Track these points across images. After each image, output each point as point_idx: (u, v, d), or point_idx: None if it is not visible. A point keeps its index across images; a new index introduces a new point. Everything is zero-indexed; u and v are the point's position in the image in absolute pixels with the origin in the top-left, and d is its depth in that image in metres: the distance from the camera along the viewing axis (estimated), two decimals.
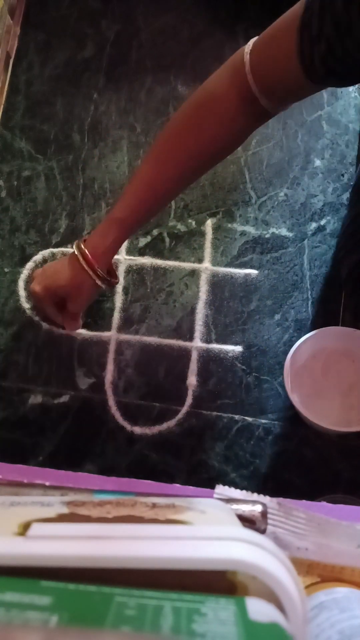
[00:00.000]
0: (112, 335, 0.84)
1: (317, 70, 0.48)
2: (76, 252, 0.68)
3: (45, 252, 0.87)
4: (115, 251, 0.69)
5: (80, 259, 0.67)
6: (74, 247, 0.68)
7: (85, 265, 0.68)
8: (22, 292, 0.85)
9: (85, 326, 0.84)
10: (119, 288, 0.85)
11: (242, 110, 0.56)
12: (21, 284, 0.86)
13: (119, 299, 0.85)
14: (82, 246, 0.67)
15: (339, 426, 0.71)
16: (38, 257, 0.87)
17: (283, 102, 0.56)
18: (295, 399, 0.72)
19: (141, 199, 0.64)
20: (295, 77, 0.50)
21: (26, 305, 0.85)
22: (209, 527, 0.23)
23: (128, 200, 0.65)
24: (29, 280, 0.78)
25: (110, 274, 0.72)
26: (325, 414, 0.74)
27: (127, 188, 0.65)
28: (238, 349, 0.82)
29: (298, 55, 0.48)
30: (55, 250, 0.87)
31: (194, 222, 0.87)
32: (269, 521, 0.31)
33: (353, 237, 0.74)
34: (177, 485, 0.37)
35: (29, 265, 0.86)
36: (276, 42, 0.51)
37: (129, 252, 0.86)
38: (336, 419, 0.74)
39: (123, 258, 0.86)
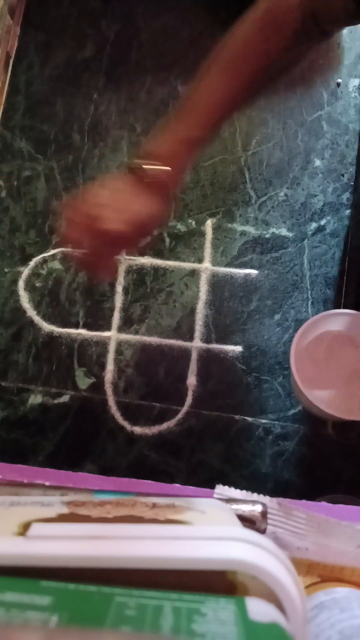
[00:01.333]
0: (112, 335, 0.84)
1: None
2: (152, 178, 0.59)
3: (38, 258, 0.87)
4: (186, 171, 0.63)
5: (163, 189, 0.59)
6: (145, 167, 0.58)
7: (168, 194, 0.60)
8: (22, 292, 0.85)
9: (85, 326, 0.84)
10: (119, 288, 0.85)
11: (304, 27, 0.56)
12: (21, 284, 0.86)
13: (119, 299, 0.85)
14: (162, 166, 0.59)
15: (339, 413, 0.70)
16: (36, 259, 0.87)
17: (331, 27, 0.57)
18: (298, 380, 0.71)
19: (214, 113, 0.61)
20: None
21: (26, 305, 0.85)
22: (209, 527, 0.23)
23: (199, 115, 0.60)
24: (69, 216, 0.58)
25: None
26: (326, 399, 0.72)
27: (193, 104, 0.60)
28: (238, 349, 0.82)
29: None
30: (55, 251, 0.87)
31: (194, 222, 0.87)
32: (269, 521, 0.31)
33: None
34: (177, 485, 0.37)
35: (30, 265, 0.86)
36: None
37: (129, 252, 0.86)
38: (337, 406, 0.72)
39: (123, 258, 0.86)
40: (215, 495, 0.32)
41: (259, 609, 0.19)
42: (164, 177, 0.58)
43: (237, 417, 0.80)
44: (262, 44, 0.59)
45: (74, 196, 0.59)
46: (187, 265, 0.86)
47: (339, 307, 0.83)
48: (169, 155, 0.59)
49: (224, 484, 0.32)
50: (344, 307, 0.83)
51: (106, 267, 0.64)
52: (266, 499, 0.32)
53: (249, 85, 0.61)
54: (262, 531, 0.29)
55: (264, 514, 0.29)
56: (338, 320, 0.74)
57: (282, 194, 0.88)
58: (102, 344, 0.83)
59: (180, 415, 0.80)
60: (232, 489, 0.32)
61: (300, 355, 0.74)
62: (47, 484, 0.34)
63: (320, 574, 0.32)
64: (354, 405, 0.73)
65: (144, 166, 0.58)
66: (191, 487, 0.36)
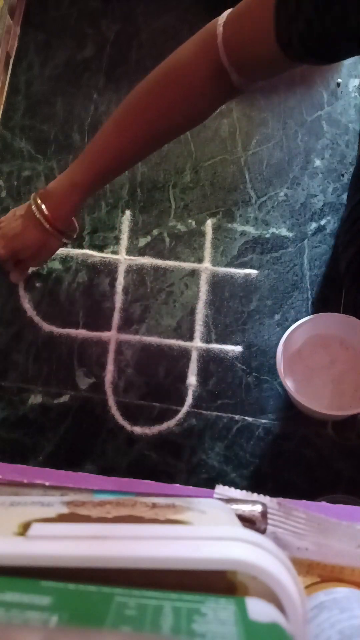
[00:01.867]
0: (112, 335, 0.84)
1: (295, 49, 0.46)
2: (39, 217, 0.69)
3: None
4: (76, 212, 0.72)
5: (45, 223, 0.69)
6: (34, 209, 0.69)
7: (50, 229, 0.70)
8: (22, 292, 0.85)
9: (85, 326, 0.84)
10: (119, 288, 0.85)
11: (209, 83, 0.54)
12: (21, 284, 0.86)
13: (119, 299, 0.85)
14: (45, 210, 0.69)
15: (330, 410, 0.72)
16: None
17: (254, 78, 0.54)
18: (288, 385, 0.73)
19: (102, 165, 0.65)
20: (270, 53, 0.47)
21: (26, 305, 0.85)
22: (209, 527, 0.23)
23: (88, 165, 0.65)
24: None
25: (70, 226, 0.75)
26: (317, 399, 0.74)
27: (88, 152, 0.65)
28: (238, 349, 0.82)
29: (275, 33, 0.46)
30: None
31: (194, 222, 0.87)
32: (269, 521, 0.31)
33: (351, 229, 0.74)
34: (177, 485, 0.37)
35: None
36: (251, 16, 0.49)
37: (129, 252, 0.86)
38: (328, 404, 0.75)
39: (123, 258, 0.86)
40: (215, 495, 0.32)
41: (259, 609, 0.19)
42: (47, 216, 0.68)
43: (237, 417, 0.80)
44: (161, 95, 0.57)
45: None
46: (187, 265, 0.86)
47: (339, 307, 0.83)
48: (58, 195, 0.68)
49: (224, 484, 0.32)
50: (344, 308, 0.83)
51: (13, 275, 0.81)
52: (266, 499, 0.32)
53: (142, 139, 0.61)
54: (262, 531, 0.29)
55: (264, 514, 0.29)
56: (327, 322, 0.75)
57: (282, 194, 0.88)
58: (102, 344, 0.83)
59: (180, 415, 0.80)
60: (232, 489, 0.32)
61: (292, 359, 0.76)
62: (47, 484, 0.34)
63: (320, 574, 0.32)
64: (345, 403, 0.74)
65: (35, 210, 0.69)
66: (191, 487, 0.36)
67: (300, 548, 0.31)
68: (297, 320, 0.75)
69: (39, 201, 0.68)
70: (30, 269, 0.84)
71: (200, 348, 0.82)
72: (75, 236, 0.77)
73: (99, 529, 0.22)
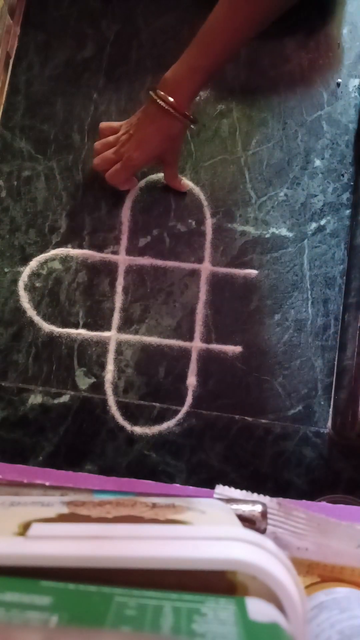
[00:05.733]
0: (112, 335, 0.84)
1: None
2: (165, 106, 0.71)
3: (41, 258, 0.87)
4: (195, 97, 0.74)
5: (172, 110, 0.71)
6: (158, 101, 0.71)
7: (179, 115, 0.71)
8: (22, 292, 0.85)
9: (85, 326, 0.84)
10: (119, 288, 0.85)
11: None
12: (21, 284, 0.86)
13: (119, 299, 0.85)
14: (170, 98, 0.70)
15: None
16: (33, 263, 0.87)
17: None
18: None
19: (218, 47, 0.69)
20: None
21: (26, 305, 0.85)
22: (209, 527, 0.23)
23: (204, 48, 0.70)
24: (107, 146, 0.80)
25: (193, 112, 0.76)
26: None
27: (202, 36, 0.68)
28: (238, 349, 0.82)
29: None
30: (56, 251, 0.87)
31: (194, 222, 0.87)
32: (269, 521, 0.31)
33: None
34: (177, 485, 0.37)
35: (32, 264, 0.86)
36: None
37: (129, 252, 0.86)
38: None
39: (123, 258, 0.86)
40: (215, 495, 0.32)
41: (259, 609, 0.19)
42: (172, 104, 0.70)
43: (237, 417, 0.80)
44: None
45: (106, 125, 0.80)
46: (187, 265, 0.86)
47: (338, 307, 0.83)
48: (178, 81, 0.70)
49: (224, 484, 0.32)
50: (344, 307, 0.83)
51: (126, 183, 0.82)
52: (266, 499, 0.32)
53: (256, 15, 0.67)
54: (262, 531, 0.29)
55: (264, 514, 0.29)
56: None
57: (282, 194, 0.88)
58: (102, 344, 0.83)
59: (180, 415, 0.80)
60: (232, 489, 0.32)
61: None
62: (47, 484, 0.34)
63: (320, 574, 0.32)
64: None
65: (158, 99, 0.71)
66: (191, 487, 0.36)
67: (300, 548, 0.32)
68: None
69: (160, 92, 0.71)
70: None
71: (200, 348, 0.83)
72: (196, 122, 0.77)
73: (99, 529, 0.22)
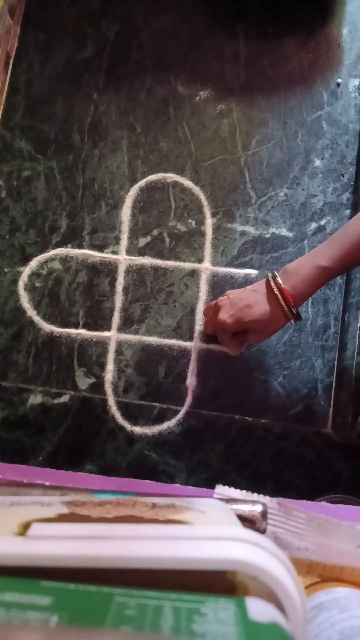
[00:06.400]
0: (112, 335, 0.84)
1: None
2: (277, 293, 0.68)
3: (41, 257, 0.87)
4: (312, 294, 0.70)
5: (282, 302, 0.68)
6: (273, 286, 0.68)
7: (286, 308, 0.68)
8: (22, 292, 0.85)
9: (85, 326, 0.84)
10: (119, 288, 0.85)
11: None
12: (21, 284, 0.86)
13: (119, 299, 0.85)
14: (286, 289, 0.67)
15: None
16: (33, 263, 0.87)
17: None
18: None
19: (354, 255, 0.65)
20: None
21: (26, 305, 0.85)
22: (209, 527, 0.23)
23: (340, 252, 0.65)
24: (211, 310, 0.76)
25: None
26: None
27: (339, 238, 0.65)
28: None
29: None
30: (56, 251, 0.87)
31: (194, 222, 0.87)
32: (269, 521, 0.31)
33: None
34: (177, 485, 0.37)
35: (32, 263, 0.86)
36: None
37: (129, 252, 0.86)
38: None
39: (123, 258, 0.86)
40: (215, 495, 0.32)
41: (259, 609, 0.19)
42: (287, 299, 0.67)
43: (237, 417, 0.80)
44: None
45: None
46: (187, 265, 0.86)
47: (338, 307, 0.83)
48: (301, 278, 0.67)
49: (224, 484, 0.32)
50: (344, 307, 0.83)
51: (232, 348, 0.77)
52: (266, 499, 0.32)
53: None
54: (262, 531, 0.29)
55: (264, 514, 0.29)
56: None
57: (282, 194, 0.88)
58: (102, 344, 0.83)
59: (180, 415, 0.80)
60: (232, 489, 0.32)
61: None
62: (47, 484, 0.34)
63: (320, 574, 0.32)
64: None
65: (274, 286, 0.68)
66: (191, 487, 0.36)
67: (300, 548, 0.31)
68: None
69: (279, 280, 0.68)
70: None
71: (200, 348, 0.82)
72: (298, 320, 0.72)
73: (99, 529, 0.22)
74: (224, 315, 0.73)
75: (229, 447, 0.79)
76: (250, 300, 0.71)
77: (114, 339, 0.84)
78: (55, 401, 0.82)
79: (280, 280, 0.68)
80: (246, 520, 0.29)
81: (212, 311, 0.76)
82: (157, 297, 0.85)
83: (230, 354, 0.78)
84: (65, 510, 0.25)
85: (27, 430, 0.81)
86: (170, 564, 0.20)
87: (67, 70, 0.94)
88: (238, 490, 0.32)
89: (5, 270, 0.86)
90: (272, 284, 0.68)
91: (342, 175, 0.88)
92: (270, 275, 0.69)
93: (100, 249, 0.87)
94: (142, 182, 0.89)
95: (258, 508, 0.29)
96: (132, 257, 0.86)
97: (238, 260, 0.85)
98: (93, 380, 0.82)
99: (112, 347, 0.83)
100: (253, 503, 0.30)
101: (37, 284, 0.86)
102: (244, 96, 0.92)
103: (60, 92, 0.93)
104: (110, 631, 0.16)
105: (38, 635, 0.15)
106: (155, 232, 0.87)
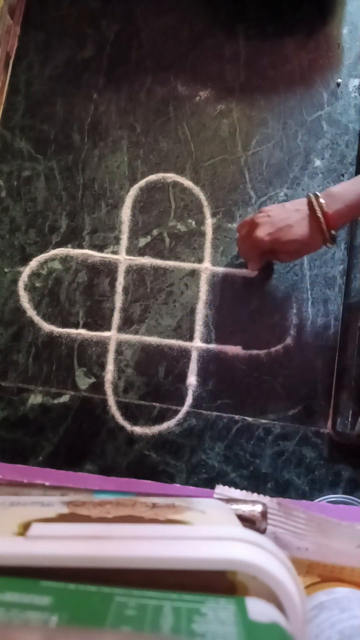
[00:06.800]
0: (112, 335, 0.84)
1: None
2: (319, 215, 0.67)
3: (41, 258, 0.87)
4: (351, 221, 0.70)
5: (324, 225, 0.67)
6: (315, 206, 0.67)
7: (326, 232, 0.67)
8: (22, 292, 0.85)
9: (85, 326, 0.84)
10: (119, 288, 0.85)
11: None
12: (21, 284, 0.86)
13: (119, 299, 0.85)
14: (328, 211, 0.66)
15: None
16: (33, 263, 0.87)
17: None
18: None
19: None
20: None
21: (26, 305, 0.85)
22: (209, 527, 0.23)
23: None
24: (246, 227, 0.73)
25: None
26: None
27: None
28: (238, 349, 0.82)
29: None
30: (56, 251, 0.87)
31: (194, 222, 0.87)
32: (269, 521, 0.31)
33: None
34: (177, 485, 0.37)
35: (32, 263, 0.86)
36: None
37: (129, 252, 0.86)
38: None
39: (123, 258, 0.86)
40: (215, 495, 0.32)
41: (259, 609, 0.19)
42: (328, 218, 0.66)
43: (237, 417, 0.80)
44: None
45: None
46: (187, 265, 0.86)
47: (338, 307, 0.83)
48: (344, 201, 0.66)
49: (224, 484, 0.32)
50: (344, 307, 0.83)
51: (252, 264, 0.77)
52: (266, 499, 0.32)
53: None
54: (262, 531, 0.29)
55: (264, 514, 0.29)
56: None
57: (282, 194, 0.88)
58: (102, 344, 0.83)
59: (180, 415, 0.80)
60: (232, 489, 0.32)
61: None
62: (47, 484, 0.34)
63: (320, 574, 0.32)
64: None
65: (317, 207, 0.66)
66: (191, 487, 0.36)
67: (300, 548, 0.31)
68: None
69: (322, 200, 0.67)
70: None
71: (200, 348, 0.82)
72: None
73: (99, 529, 0.22)
74: (262, 233, 0.71)
75: (229, 447, 0.79)
76: (291, 220, 0.69)
77: (114, 339, 0.84)
78: (55, 401, 0.82)
79: (323, 202, 0.67)
80: (246, 520, 0.29)
81: (248, 227, 0.74)
82: (157, 297, 0.85)
83: (249, 270, 0.79)
84: (65, 510, 0.25)
85: (27, 430, 0.81)
86: (170, 564, 0.20)
87: (67, 70, 0.94)
88: (238, 490, 0.32)
89: (5, 270, 0.86)
90: (316, 205, 0.67)
91: (342, 175, 0.88)
92: (312, 196, 0.68)
93: (100, 249, 0.87)
94: (142, 182, 0.89)
95: (258, 508, 0.29)
96: (132, 257, 0.86)
97: (238, 260, 0.85)
98: (93, 380, 0.82)
99: (112, 347, 0.83)
100: (253, 503, 0.30)
101: (37, 284, 0.86)
102: (244, 96, 0.92)
103: (60, 92, 0.93)
104: (110, 631, 0.16)
105: (38, 635, 0.15)
106: (155, 232, 0.87)
